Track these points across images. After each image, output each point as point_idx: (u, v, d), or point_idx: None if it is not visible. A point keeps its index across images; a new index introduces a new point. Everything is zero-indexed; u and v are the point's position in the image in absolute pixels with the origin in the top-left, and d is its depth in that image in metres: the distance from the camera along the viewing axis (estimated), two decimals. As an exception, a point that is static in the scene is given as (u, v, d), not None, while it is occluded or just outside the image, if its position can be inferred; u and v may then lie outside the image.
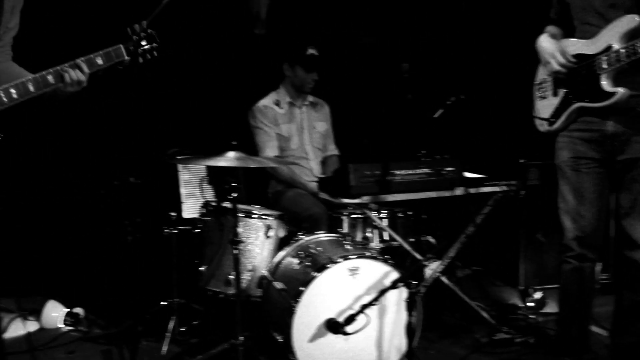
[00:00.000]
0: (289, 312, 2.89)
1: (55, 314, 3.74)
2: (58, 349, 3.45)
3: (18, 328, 3.69)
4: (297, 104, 4.06)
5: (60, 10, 4.02)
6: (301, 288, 2.91)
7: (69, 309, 3.75)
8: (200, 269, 3.42)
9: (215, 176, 3.88)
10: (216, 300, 3.37)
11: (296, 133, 4.03)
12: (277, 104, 4.01)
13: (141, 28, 2.44)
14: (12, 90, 2.28)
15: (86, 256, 4.28)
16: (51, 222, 4.39)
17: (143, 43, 2.45)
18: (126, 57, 2.41)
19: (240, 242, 3.13)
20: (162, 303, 3.53)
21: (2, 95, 2.25)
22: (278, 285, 3.13)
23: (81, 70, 2.33)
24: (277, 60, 4.07)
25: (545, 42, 2.93)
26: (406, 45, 4.63)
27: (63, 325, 3.72)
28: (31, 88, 2.30)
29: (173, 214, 3.61)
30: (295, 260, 3.18)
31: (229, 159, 3.11)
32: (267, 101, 4.01)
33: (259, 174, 4.00)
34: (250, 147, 3.76)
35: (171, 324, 3.42)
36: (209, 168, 3.91)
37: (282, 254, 3.30)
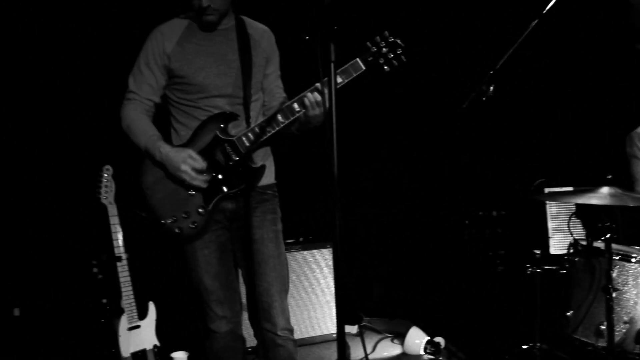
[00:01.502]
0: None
1: (417, 340, 3.83)
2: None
3: (385, 349, 3.89)
4: None
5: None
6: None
7: (430, 337, 3.81)
8: (566, 314, 3.12)
9: (586, 212, 3.52)
10: (584, 352, 3.03)
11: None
12: None
13: (382, 38, 2.48)
14: (264, 124, 2.46)
15: (449, 286, 4.32)
16: (415, 247, 4.56)
17: (384, 51, 2.46)
18: (363, 68, 2.45)
19: (615, 289, 2.77)
20: (523, 346, 3.33)
21: (257, 129, 2.45)
22: (662, 345, 2.66)
23: (319, 92, 2.39)
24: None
25: None
26: None
27: (424, 353, 3.79)
28: (280, 118, 2.44)
29: (537, 251, 3.39)
30: (686, 318, 2.67)
31: (602, 195, 2.78)
32: None
33: (638, 209, 3.50)
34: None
35: (533, 370, 3.20)
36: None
37: (667, 307, 2.81)
